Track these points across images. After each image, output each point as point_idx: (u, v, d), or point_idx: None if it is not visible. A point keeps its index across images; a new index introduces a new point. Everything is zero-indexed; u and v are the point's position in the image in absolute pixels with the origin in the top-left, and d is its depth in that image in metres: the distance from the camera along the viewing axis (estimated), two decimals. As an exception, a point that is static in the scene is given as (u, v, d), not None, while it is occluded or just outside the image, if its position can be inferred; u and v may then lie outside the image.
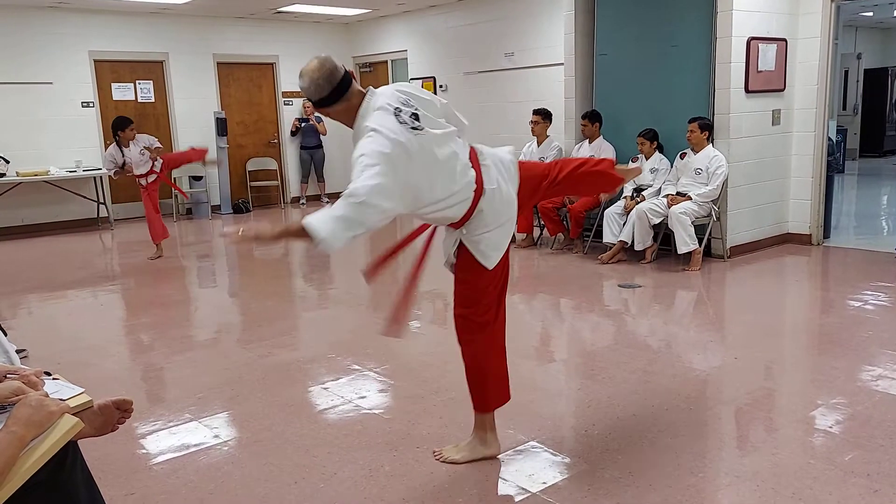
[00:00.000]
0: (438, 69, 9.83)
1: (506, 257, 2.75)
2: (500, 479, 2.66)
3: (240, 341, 4.55)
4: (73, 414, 1.53)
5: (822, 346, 4.12)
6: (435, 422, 3.16)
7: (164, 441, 3.08)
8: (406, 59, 10.33)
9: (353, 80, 2.48)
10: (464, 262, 2.68)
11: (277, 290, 5.89)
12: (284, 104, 10.86)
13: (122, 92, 9.69)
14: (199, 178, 9.99)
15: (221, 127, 9.93)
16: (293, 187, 10.99)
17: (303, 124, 10.72)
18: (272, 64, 10.72)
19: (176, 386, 3.75)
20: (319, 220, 2.22)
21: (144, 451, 3.00)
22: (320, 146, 10.87)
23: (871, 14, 11.39)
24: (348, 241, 2.25)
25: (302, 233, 2.21)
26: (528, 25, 8.52)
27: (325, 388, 3.60)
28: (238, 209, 10.21)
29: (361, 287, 6.09)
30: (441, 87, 9.81)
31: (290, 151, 10.86)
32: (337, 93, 2.45)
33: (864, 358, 3.79)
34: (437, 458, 2.79)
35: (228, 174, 10.18)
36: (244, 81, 10.57)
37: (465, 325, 2.74)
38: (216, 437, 3.10)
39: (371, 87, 2.51)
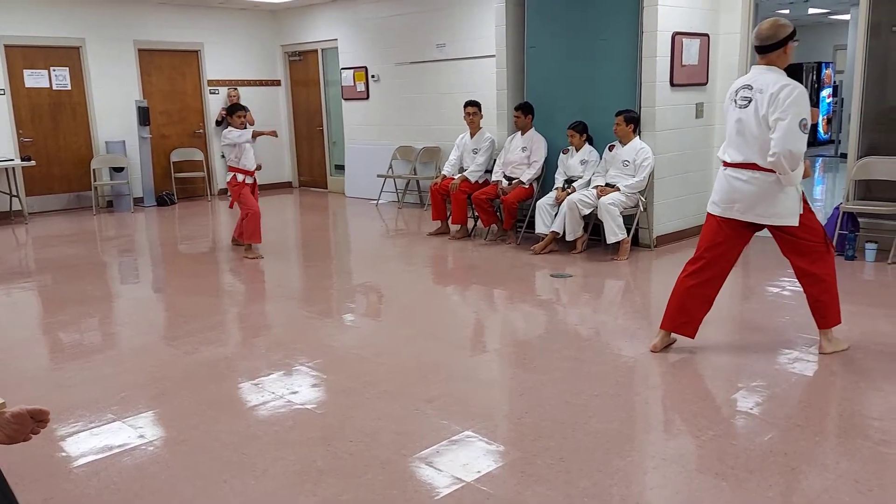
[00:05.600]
0: (370, 59, 9.73)
1: None
2: (435, 470, 2.65)
3: (165, 338, 4.39)
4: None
5: (742, 331, 4.28)
6: (368, 415, 3.13)
7: (84, 443, 2.94)
8: (336, 48, 10.18)
9: (792, 44, 3.54)
10: (805, 209, 3.57)
11: (204, 285, 5.72)
12: (210, 93, 10.55)
13: (35, 79, 9.21)
14: (119, 170, 9.60)
15: (143, 116, 9.57)
16: (220, 179, 10.69)
17: (230, 114, 10.43)
18: (197, 51, 10.39)
19: (97, 385, 3.60)
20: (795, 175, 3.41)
21: (64, 453, 2.87)
22: (248, 137, 10.61)
23: (787, 11, 11.86)
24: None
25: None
26: (460, 17, 8.52)
27: (255, 384, 3.52)
28: (162, 201, 9.88)
29: (292, 281, 5.98)
30: (373, 76, 9.72)
31: (217, 142, 10.55)
32: (778, 45, 3.52)
33: (781, 342, 3.95)
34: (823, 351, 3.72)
35: (151, 165, 9.82)
36: (167, 69, 10.20)
37: (824, 255, 3.60)
38: (141, 437, 2.99)
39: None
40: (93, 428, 3.07)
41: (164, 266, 6.64)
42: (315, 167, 11.29)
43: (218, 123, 10.44)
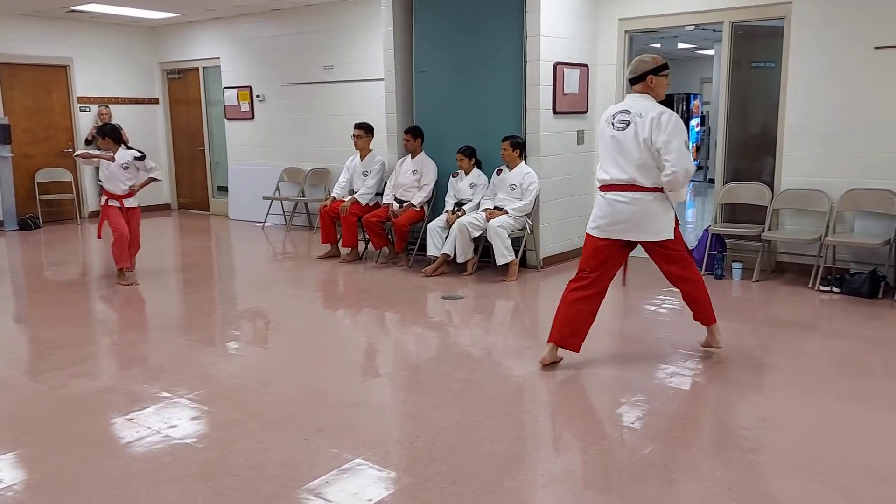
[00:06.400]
0: (254, 79, 9.51)
1: None
2: (324, 501, 2.56)
3: (28, 373, 4.04)
4: None
5: (624, 348, 4.45)
6: (253, 447, 2.99)
7: (-73, 494, 2.64)
8: (219, 66, 9.89)
9: (656, 78, 3.74)
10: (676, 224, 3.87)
11: (73, 315, 5.32)
12: (80, 110, 9.94)
13: None
14: (-23, 191, 8.84)
15: (4, 134, 8.86)
16: (91, 201, 10.05)
17: (102, 132, 9.86)
18: (66, 67, 9.77)
19: (-55, 428, 3.25)
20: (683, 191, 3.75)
21: None
22: (123, 156, 10.06)
23: (658, 45, 12.66)
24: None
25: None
26: (348, 39, 8.49)
27: (129, 420, 3.29)
28: (26, 225, 9.16)
29: (171, 308, 5.69)
30: (258, 97, 9.50)
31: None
32: (640, 77, 3.76)
33: (659, 357, 4.14)
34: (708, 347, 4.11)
35: (13, 187, 9.09)
36: (31, 85, 9.51)
37: (689, 261, 3.95)
38: (-4, 483, 2.72)
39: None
40: (-61, 476, 2.77)
41: (28, 295, 6.13)
42: (196, 189, 10.85)
43: (88, 142, 9.84)
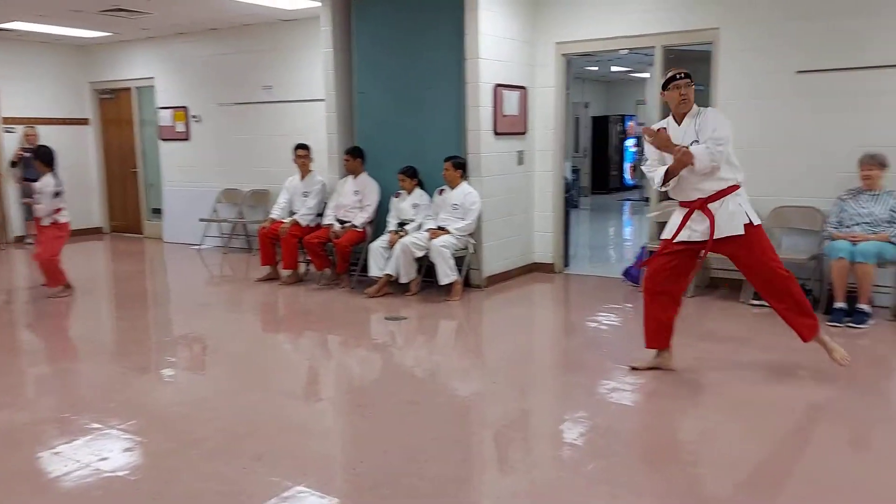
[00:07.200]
0: (189, 99, 9.32)
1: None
2: (264, 532, 2.48)
3: (-56, 407, 3.81)
4: None
5: (566, 365, 4.49)
6: (190, 477, 2.88)
7: None
8: (153, 86, 9.66)
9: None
10: None
11: (-3, 343, 5.06)
12: (5, 132, 9.54)
13: None
14: None
15: (-78, 154, 8.44)
16: (15, 225, 9.63)
17: (27, 154, 9.47)
18: (-10, 85, 9.39)
19: None
20: (698, 150, 3.72)
21: None
22: (50, 178, 9.67)
23: (595, 68, 13.02)
24: (707, 167, 3.75)
25: (688, 157, 3.72)
26: (287, 59, 8.42)
27: (56, 453, 3.13)
28: (-55, 250, 8.71)
29: (102, 335, 5.47)
30: (194, 117, 9.31)
31: (12, 185, 9.51)
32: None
33: (600, 373, 4.18)
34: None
35: (-68, 210, 8.65)
36: (-47, 103, 9.11)
37: None
38: None
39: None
40: None
41: (-54, 324, 5.81)
42: (129, 211, 10.52)
43: (13, 164, 9.45)
